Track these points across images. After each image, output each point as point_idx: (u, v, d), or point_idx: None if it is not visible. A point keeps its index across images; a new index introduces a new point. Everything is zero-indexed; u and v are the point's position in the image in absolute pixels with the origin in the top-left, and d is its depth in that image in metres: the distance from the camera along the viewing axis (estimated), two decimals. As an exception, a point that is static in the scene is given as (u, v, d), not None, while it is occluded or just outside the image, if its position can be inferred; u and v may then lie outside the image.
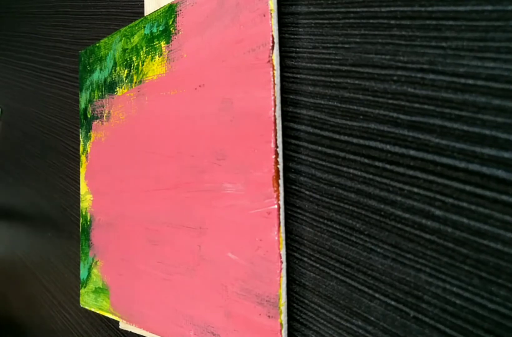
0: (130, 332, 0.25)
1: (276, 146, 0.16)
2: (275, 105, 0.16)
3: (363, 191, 0.14)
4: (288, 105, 0.17)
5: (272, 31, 0.16)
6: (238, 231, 0.17)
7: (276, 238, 0.15)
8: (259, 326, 0.16)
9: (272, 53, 0.16)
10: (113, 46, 0.26)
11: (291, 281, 0.16)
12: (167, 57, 0.21)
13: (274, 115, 0.16)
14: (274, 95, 0.16)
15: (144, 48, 0.23)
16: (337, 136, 0.15)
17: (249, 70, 0.17)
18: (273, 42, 0.16)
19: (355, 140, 0.14)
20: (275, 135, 0.16)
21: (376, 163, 0.14)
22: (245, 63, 0.17)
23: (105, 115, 0.26)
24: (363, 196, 0.14)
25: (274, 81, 0.16)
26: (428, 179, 0.13)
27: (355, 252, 0.14)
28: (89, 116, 0.28)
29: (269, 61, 0.16)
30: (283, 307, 0.15)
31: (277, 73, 0.16)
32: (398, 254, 0.13)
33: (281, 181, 0.16)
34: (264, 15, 0.16)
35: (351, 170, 0.15)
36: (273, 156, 0.16)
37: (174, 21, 0.21)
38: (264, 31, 0.16)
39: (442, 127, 0.12)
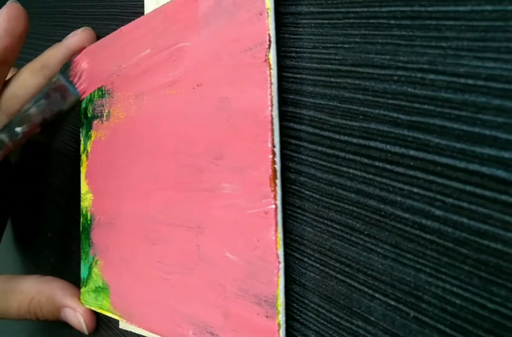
0: (130, 331, 0.25)
1: (273, 146, 0.16)
2: (272, 105, 0.16)
3: (363, 191, 0.14)
4: (288, 105, 0.17)
5: (268, 29, 0.16)
6: (236, 231, 0.17)
7: (274, 238, 0.15)
8: (257, 326, 0.16)
9: (269, 52, 0.16)
10: (113, 45, 0.26)
11: (291, 281, 0.16)
12: (167, 57, 0.21)
13: (271, 115, 0.16)
14: (271, 94, 0.16)
15: (144, 47, 0.23)
16: (337, 136, 0.15)
17: (246, 69, 0.17)
18: (269, 41, 0.16)
19: (355, 140, 0.14)
20: (272, 135, 0.16)
21: (376, 163, 0.14)
22: (242, 62, 0.17)
23: (105, 114, 0.26)
24: (363, 196, 0.14)
25: (270, 80, 0.16)
26: (428, 179, 0.13)
27: (355, 252, 0.14)
28: (89, 115, 0.28)
29: (265, 60, 0.16)
30: (281, 308, 0.15)
31: (274, 72, 0.16)
32: (398, 254, 0.13)
33: (278, 181, 0.16)
34: (261, 14, 0.16)
35: (351, 170, 0.15)
36: (270, 156, 0.16)
37: (174, 20, 0.21)
38: (260, 30, 0.16)
39: (442, 127, 0.12)
